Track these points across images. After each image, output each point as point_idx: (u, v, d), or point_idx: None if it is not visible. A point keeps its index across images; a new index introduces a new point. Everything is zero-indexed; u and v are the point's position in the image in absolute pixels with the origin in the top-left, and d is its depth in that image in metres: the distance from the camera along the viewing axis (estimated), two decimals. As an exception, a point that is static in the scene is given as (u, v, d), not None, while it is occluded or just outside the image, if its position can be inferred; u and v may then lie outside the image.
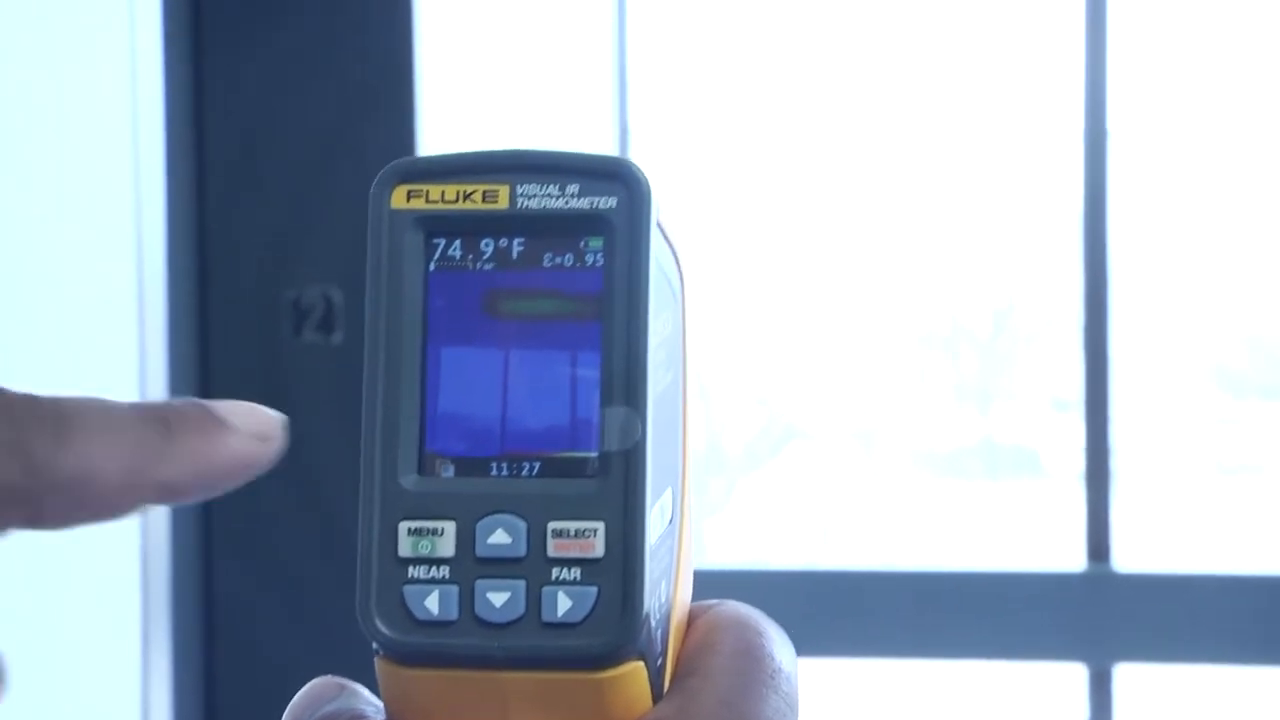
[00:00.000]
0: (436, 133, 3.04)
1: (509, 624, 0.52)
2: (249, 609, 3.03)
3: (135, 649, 2.24)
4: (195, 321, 2.98)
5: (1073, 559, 4.16)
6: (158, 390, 2.33)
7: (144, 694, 2.27)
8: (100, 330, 2.20)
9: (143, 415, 0.50)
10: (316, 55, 3.01)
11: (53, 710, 2.06)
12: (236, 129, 2.98)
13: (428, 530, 0.53)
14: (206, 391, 3.02)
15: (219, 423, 0.53)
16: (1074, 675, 4.24)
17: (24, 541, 1.58)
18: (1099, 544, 4.13)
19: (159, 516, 2.43)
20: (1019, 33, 4.60)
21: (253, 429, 0.55)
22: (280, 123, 2.98)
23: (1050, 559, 4.35)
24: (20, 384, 1.66)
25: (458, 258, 0.54)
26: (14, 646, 1.76)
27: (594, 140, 4.16)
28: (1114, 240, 4.20)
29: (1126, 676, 4.19)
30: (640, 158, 4.34)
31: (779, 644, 0.56)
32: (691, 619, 0.57)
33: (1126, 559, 4.14)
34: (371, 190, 0.54)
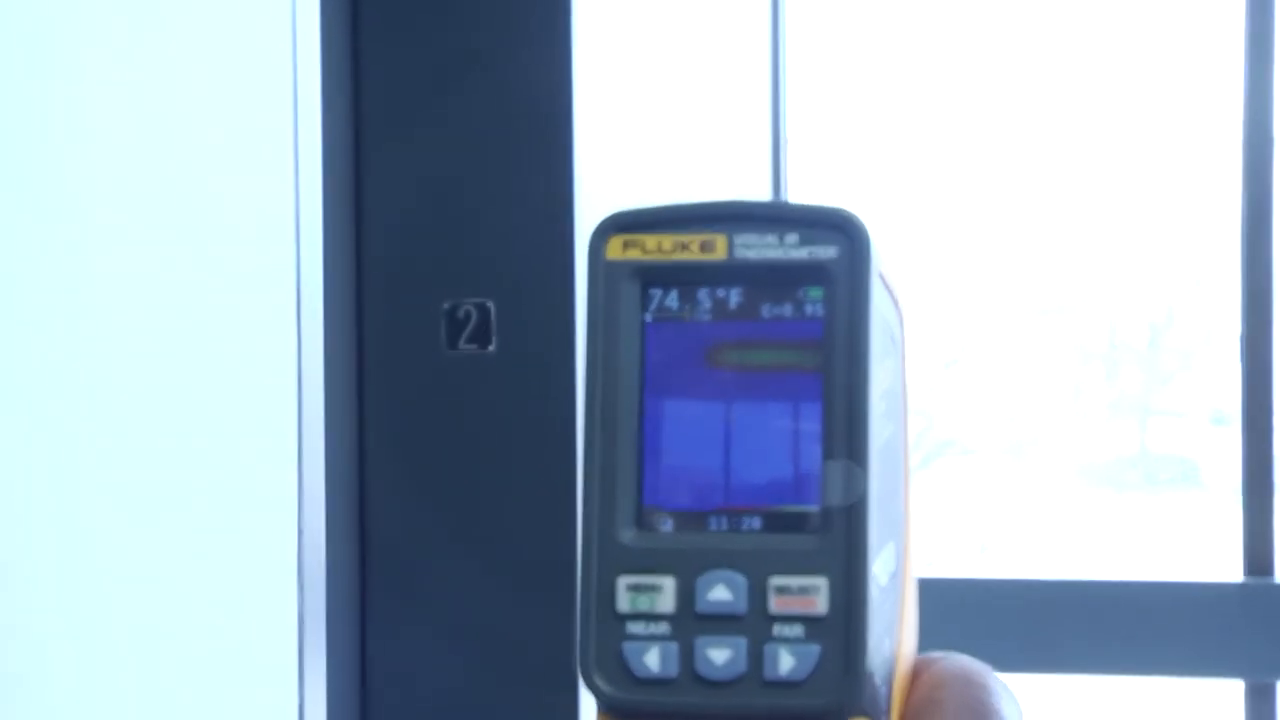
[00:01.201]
0: (591, 148, 3.08)
1: (730, 682, 0.51)
2: (402, 616, 3.08)
3: (292, 671, 2.29)
4: (352, 331, 3.04)
5: (1230, 571, 4.12)
6: (315, 401, 2.38)
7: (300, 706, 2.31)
8: (259, 340, 2.26)
9: None
10: (476, 66, 3.06)
11: None
12: (394, 142, 3.03)
13: (647, 586, 0.52)
14: (361, 400, 3.08)
15: None
16: (1232, 691, 4.19)
17: (184, 558, 1.63)
18: (1258, 556, 4.09)
19: (314, 530, 2.48)
20: (1179, 42, 4.56)
21: None
22: (438, 135, 3.03)
23: (1209, 572, 4.30)
24: (176, 394, 1.71)
25: (675, 308, 0.53)
26: (179, 667, 1.81)
27: (748, 167, 4.19)
28: (1276, 251, 4.16)
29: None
30: (802, 179, 4.36)
31: (1005, 700, 0.55)
32: (916, 673, 0.56)
33: (1287, 572, 4.09)
34: (589, 240, 0.54)
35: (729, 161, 4.09)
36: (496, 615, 3.05)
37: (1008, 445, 5.19)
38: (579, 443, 2.99)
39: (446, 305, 3.09)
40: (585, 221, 3.03)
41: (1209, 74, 4.47)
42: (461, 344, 3.06)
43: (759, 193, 4.21)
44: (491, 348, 3.08)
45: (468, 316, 3.09)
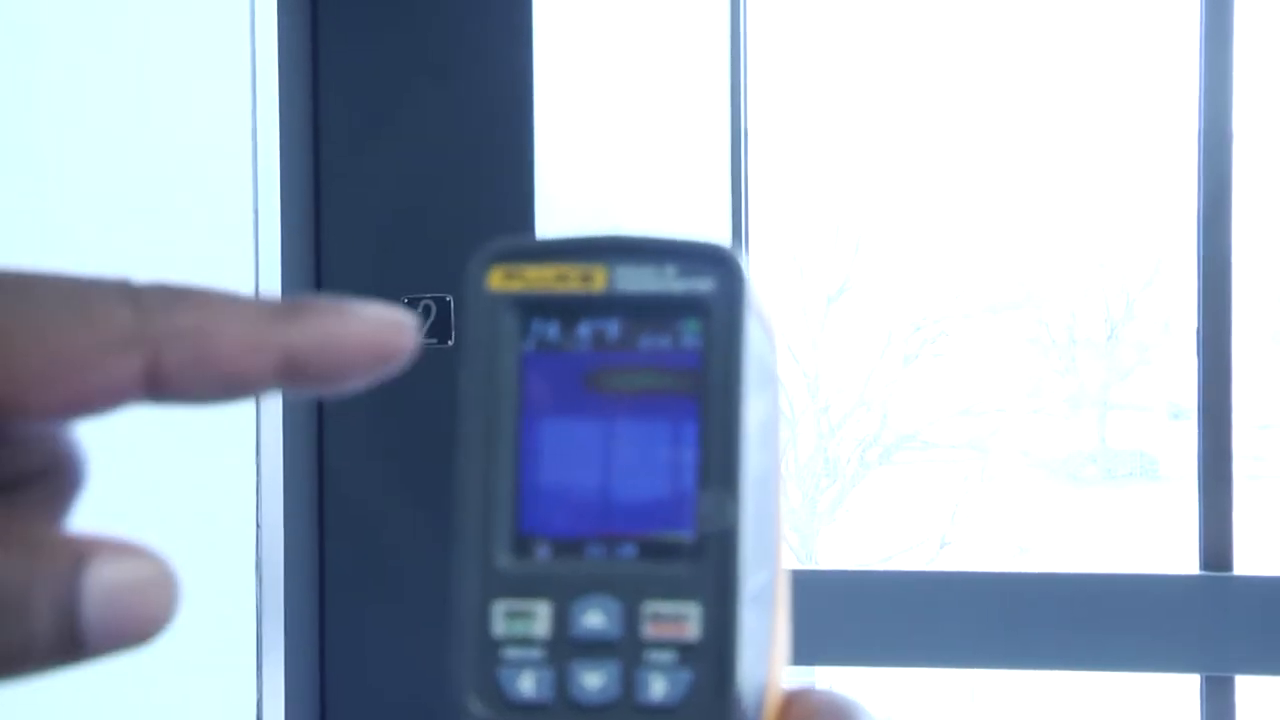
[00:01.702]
0: (551, 143, 3.08)
1: (604, 707, 0.52)
2: (361, 607, 3.08)
3: (250, 654, 2.28)
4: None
5: (1186, 564, 4.13)
6: (272, 421, 2.37)
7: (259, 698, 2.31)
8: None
9: (268, 299, 0.50)
10: (437, 65, 3.06)
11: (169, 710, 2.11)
12: (354, 136, 3.02)
13: (522, 611, 0.53)
14: (319, 401, 3.07)
15: (348, 307, 0.53)
16: (1189, 685, 4.21)
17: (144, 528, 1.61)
18: (1215, 549, 4.10)
19: (273, 524, 2.47)
20: (1136, 38, 4.58)
21: (385, 317, 0.54)
22: (398, 130, 3.02)
23: (1166, 564, 4.32)
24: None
25: (554, 339, 0.53)
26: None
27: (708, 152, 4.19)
28: (1234, 245, 4.17)
29: (1244, 687, 4.16)
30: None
31: None
32: (787, 704, 0.56)
33: (1247, 565, 4.11)
34: (468, 270, 0.54)
35: (688, 162, 4.09)
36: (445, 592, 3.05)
37: (967, 440, 5.21)
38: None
39: (405, 300, 3.08)
40: (545, 215, 3.03)
41: (1166, 70, 4.48)
42: (421, 338, 3.06)
43: (721, 206, 4.21)
44: (451, 342, 3.07)
45: (427, 311, 3.08)
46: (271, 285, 2.38)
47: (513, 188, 3.03)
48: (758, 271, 0.54)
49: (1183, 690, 4.32)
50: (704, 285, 0.53)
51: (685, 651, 0.52)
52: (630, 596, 0.52)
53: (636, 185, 3.59)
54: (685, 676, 0.51)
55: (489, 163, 3.05)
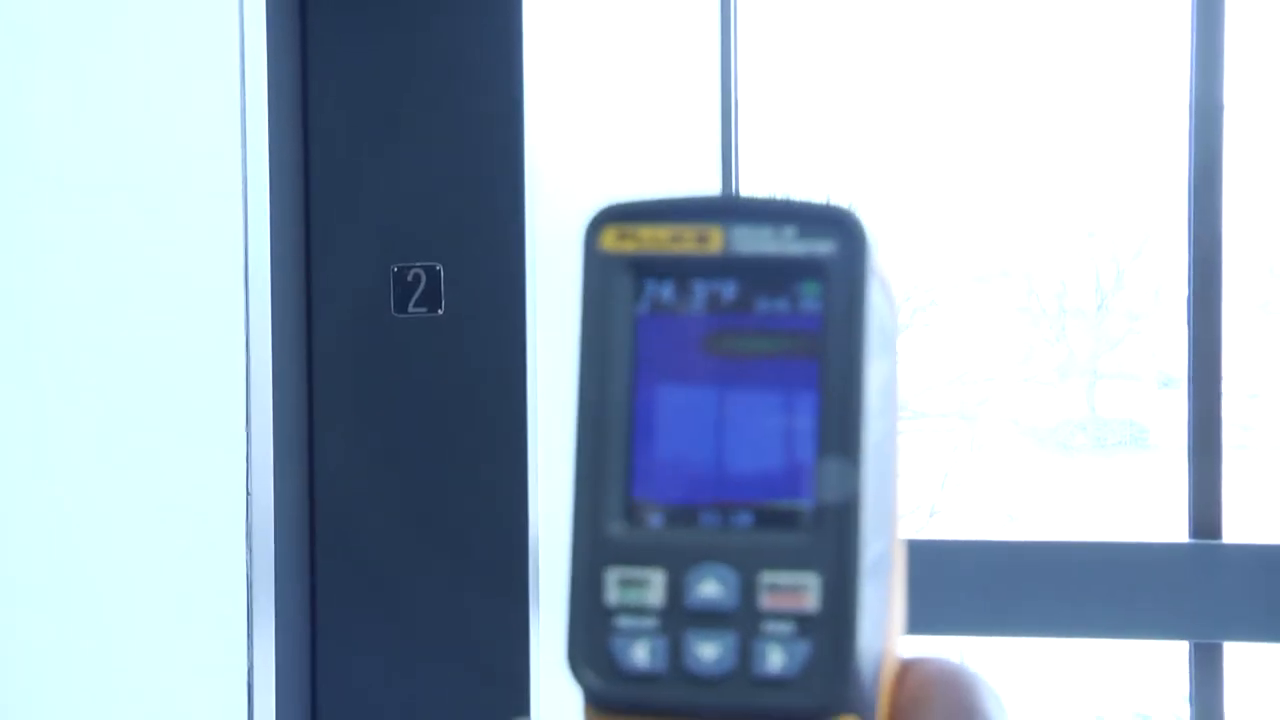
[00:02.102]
0: (541, 115, 3.08)
1: (719, 679, 0.50)
2: (351, 580, 3.08)
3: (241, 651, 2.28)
4: (301, 295, 3.04)
5: (1176, 532, 4.15)
6: (262, 363, 2.37)
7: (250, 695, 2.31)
8: (206, 304, 2.25)
9: None
10: (425, 30, 3.06)
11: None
12: (344, 106, 3.03)
13: (636, 580, 0.51)
14: (311, 365, 3.07)
15: None
16: (1178, 651, 4.23)
17: (127, 554, 1.62)
18: (1204, 517, 4.12)
19: (263, 493, 2.48)
20: (1129, 7, 4.58)
21: None
22: (387, 99, 3.02)
23: (1155, 532, 4.33)
24: (123, 359, 1.71)
25: (669, 301, 0.52)
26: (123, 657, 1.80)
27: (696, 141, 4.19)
28: (1224, 215, 4.18)
29: (1233, 653, 4.18)
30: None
31: (993, 702, 0.54)
32: (903, 672, 0.56)
33: (1235, 533, 4.13)
34: (583, 231, 0.53)
35: (679, 134, 4.09)
36: (443, 579, 3.06)
37: (957, 409, 5.22)
38: (528, 403, 2.99)
39: (395, 269, 3.08)
40: (533, 186, 3.03)
41: (1159, 40, 4.48)
42: (410, 307, 3.06)
43: (711, 170, 4.21)
44: (440, 311, 3.08)
45: (417, 280, 3.08)
46: (260, 256, 2.38)
47: (502, 154, 3.03)
48: (879, 234, 0.52)
49: (1172, 657, 4.33)
50: (824, 247, 0.52)
51: (803, 623, 0.50)
52: (747, 566, 0.51)
53: (625, 148, 3.59)
54: (803, 648, 0.50)
55: (477, 129, 3.05)
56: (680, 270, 0.52)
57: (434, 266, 3.07)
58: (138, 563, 2.05)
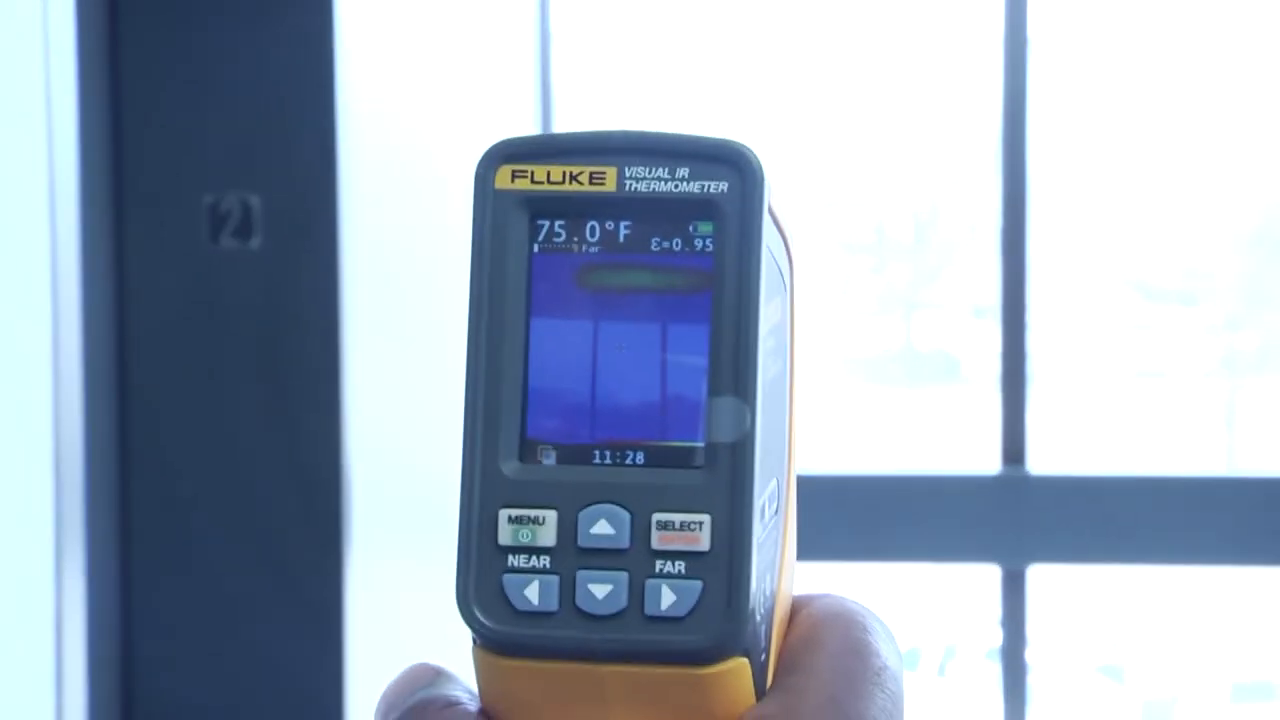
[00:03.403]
0: (354, 38, 3.06)
1: (611, 617, 0.51)
2: (165, 522, 3.06)
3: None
4: (111, 227, 3.00)
5: (989, 463, 4.23)
6: (70, 298, 2.35)
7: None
8: (10, 236, 2.22)
9: None
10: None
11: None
12: (153, 27, 2.98)
13: (529, 519, 0.51)
14: (123, 299, 3.04)
15: None
16: (988, 576, 4.32)
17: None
18: (1014, 447, 4.20)
19: (71, 435, 2.46)
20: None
21: None
22: (197, 20, 2.98)
23: (968, 463, 4.42)
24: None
25: (562, 239, 0.52)
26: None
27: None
28: (1033, 148, 4.25)
29: (1039, 577, 4.27)
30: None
31: (884, 640, 0.54)
32: (794, 611, 0.56)
33: (1041, 462, 4.21)
34: (476, 169, 0.52)
35: (497, 46, 4.08)
36: (261, 519, 3.04)
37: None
38: (341, 337, 2.98)
39: (209, 199, 3.05)
40: (346, 114, 3.01)
41: (972, -27, 4.53)
42: (224, 239, 3.03)
43: (527, 94, 4.20)
44: (254, 243, 3.05)
45: (230, 212, 3.06)
46: (67, 184, 2.35)
47: (313, 77, 3.01)
48: (775, 172, 0.53)
49: (982, 582, 4.42)
50: (718, 186, 0.52)
51: (695, 561, 0.50)
52: (639, 505, 0.51)
53: (442, 68, 3.57)
54: (695, 586, 0.50)
55: (289, 51, 3.02)
56: (574, 209, 0.52)
57: (247, 197, 3.05)
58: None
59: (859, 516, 4.20)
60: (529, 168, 0.53)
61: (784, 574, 0.55)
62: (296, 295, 3.00)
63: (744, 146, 0.52)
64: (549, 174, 0.52)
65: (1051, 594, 4.53)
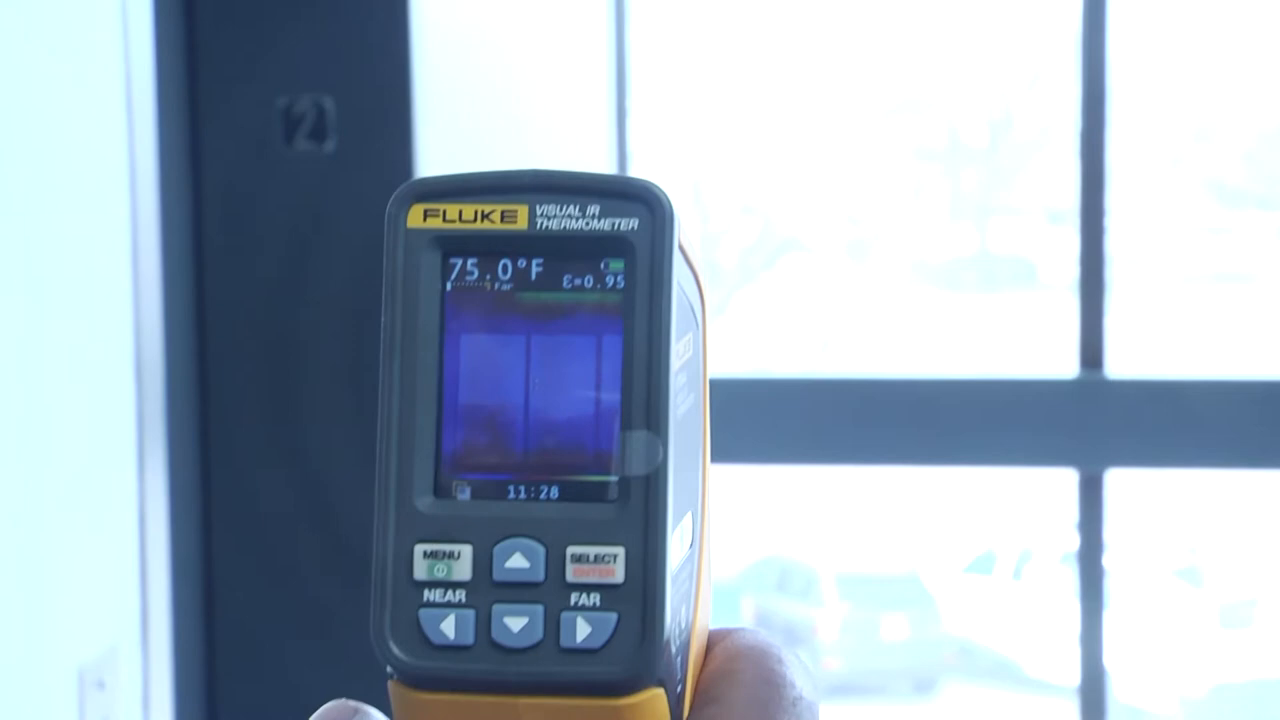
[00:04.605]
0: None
1: (526, 649, 0.51)
2: (243, 413, 3.08)
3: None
4: (187, 131, 3.00)
5: (1066, 367, 4.20)
6: (149, 201, 2.35)
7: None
8: (89, 139, 2.22)
9: None
10: None
11: None
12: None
13: (444, 553, 0.52)
14: (199, 203, 3.04)
15: None
16: (1065, 480, 4.30)
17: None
18: (1092, 351, 4.17)
19: (151, 324, 2.47)
20: None
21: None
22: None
23: (1044, 367, 4.40)
24: (11, 218, 1.68)
25: (475, 277, 0.53)
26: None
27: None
28: (1112, 51, 4.20)
29: (1117, 481, 4.26)
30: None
31: (799, 672, 0.55)
32: (710, 645, 0.56)
33: (1119, 366, 4.19)
34: (388, 209, 0.53)
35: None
36: (335, 407, 3.06)
37: (848, 245, 5.24)
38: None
39: (283, 100, 3.05)
40: (420, 14, 3.00)
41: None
42: (298, 142, 3.03)
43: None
44: (329, 146, 3.05)
45: (304, 114, 3.06)
46: (143, 89, 2.35)
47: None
48: (684, 209, 0.53)
49: (1059, 486, 4.41)
50: (629, 223, 0.52)
51: (609, 594, 0.51)
52: (553, 539, 0.51)
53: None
54: (609, 618, 0.51)
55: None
56: (486, 247, 0.53)
57: (322, 98, 3.05)
58: (25, 402, 2.04)
59: (936, 421, 4.19)
60: (441, 206, 0.53)
61: (700, 606, 0.56)
62: (371, 198, 3.01)
63: (653, 184, 0.53)
64: (460, 213, 0.53)
65: (1128, 498, 4.51)
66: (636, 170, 3.95)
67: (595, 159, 3.83)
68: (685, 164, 5.07)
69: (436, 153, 3.07)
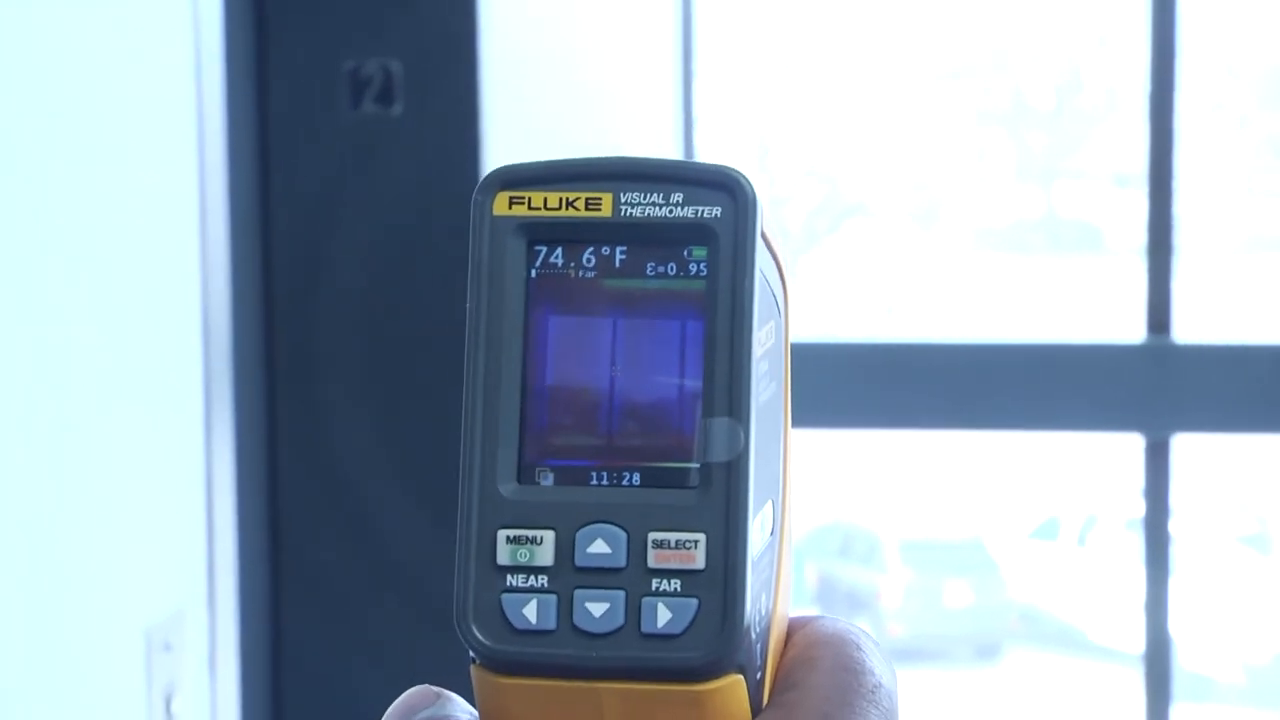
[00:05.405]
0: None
1: (608, 634, 0.52)
2: (312, 376, 3.09)
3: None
4: (254, 95, 3.01)
5: (1133, 332, 4.18)
6: (216, 163, 2.36)
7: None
8: (156, 103, 2.23)
9: None
10: None
11: None
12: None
13: (527, 539, 0.53)
14: (266, 167, 3.05)
15: None
16: (1131, 446, 4.28)
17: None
18: (1159, 316, 4.14)
19: (219, 289, 2.48)
20: None
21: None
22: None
23: (1111, 332, 4.37)
24: (68, 153, 1.68)
25: (559, 265, 0.54)
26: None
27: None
28: (1182, 12, 4.16)
29: (1183, 447, 4.23)
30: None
31: (878, 659, 0.55)
32: (790, 632, 0.57)
33: (1186, 331, 4.16)
34: (474, 195, 0.54)
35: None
36: (406, 375, 3.07)
37: (914, 209, 5.21)
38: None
39: (351, 64, 3.05)
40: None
41: None
42: (365, 105, 3.04)
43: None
44: (396, 109, 3.05)
45: (371, 77, 3.06)
46: (211, 52, 2.36)
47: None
48: (768, 196, 0.53)
49: (1125, 452, 4.39)
50: (712, 212, 0.53)
51: (690, 579, 0.52)
52: (635, 525, 0.52)
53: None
54: (690, 604, 0.51)
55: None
56: (571, 235, 0.53)
57: (388, 62, 3.05)
58: (91, 364, 2.05)
59: (1000, 386, 4.17)
60: (526, 194, 0.54)
61: (780, 594, 0.56)
62: (438, 162, 3.01)
63: (738, 172, 0.53)
64: (545, 200, 0.54)
65: (1195, 464, 4.48)
66: (702, 135, 3.94)
67: (660, 124, 3.82)
68: (750, 128, 5.05)
69: (502, 117, 3.07)
